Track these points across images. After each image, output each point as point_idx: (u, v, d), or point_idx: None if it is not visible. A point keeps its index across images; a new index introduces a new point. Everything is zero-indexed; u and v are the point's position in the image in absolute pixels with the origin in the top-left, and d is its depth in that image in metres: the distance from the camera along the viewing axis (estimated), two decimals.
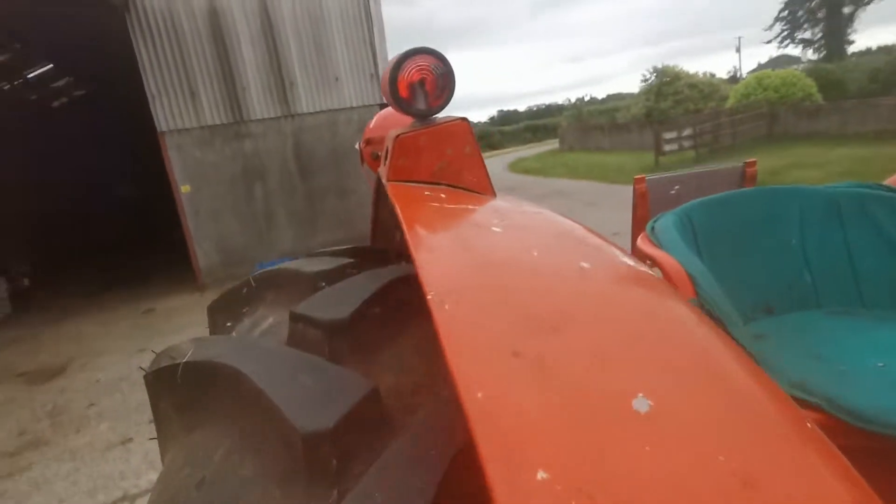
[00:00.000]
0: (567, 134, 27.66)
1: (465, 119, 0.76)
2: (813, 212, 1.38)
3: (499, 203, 0.71)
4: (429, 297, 0.38)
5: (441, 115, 0.80)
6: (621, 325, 0.38)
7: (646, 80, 23.51)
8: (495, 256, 0.48)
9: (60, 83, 14.53)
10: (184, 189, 8.81)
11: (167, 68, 8.42)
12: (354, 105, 10.08)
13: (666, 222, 1.24)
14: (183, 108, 8.62)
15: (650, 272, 0.46)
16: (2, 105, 12.48)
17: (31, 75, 12.95)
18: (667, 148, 14.74)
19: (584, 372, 0.32)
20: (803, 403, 0.83)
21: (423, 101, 0.76)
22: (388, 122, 1.49)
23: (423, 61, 0.74)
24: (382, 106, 10.49)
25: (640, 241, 1.20)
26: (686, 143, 14.81)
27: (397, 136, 0.75)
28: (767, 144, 14.54)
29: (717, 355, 0.35)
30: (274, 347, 0.60)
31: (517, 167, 22.46)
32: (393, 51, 10.80)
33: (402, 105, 0.77)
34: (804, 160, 11.20)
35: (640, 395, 0.29)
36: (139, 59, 8.22)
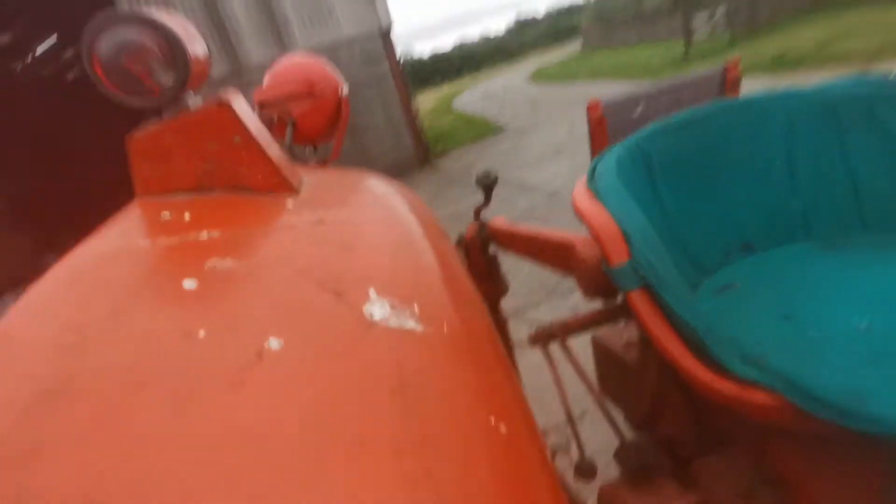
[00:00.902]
0: (589, 33, 25.68)
1: (223, 103, 0.58)
2: (803, 121, 1.12)
3: (283, 216, 0.52)
4: None
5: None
6: None
7: None
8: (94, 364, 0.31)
9: (69, 55, 14.41)
10: None
11: None
12: (353, 34, 9.61)
13: (608, 161, 1.02)
14: None
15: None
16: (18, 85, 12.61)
17: (41, 51, 12.90)
18: (697, 34, 13.46)
19: None
20: (757, 387, 0.69)
21: (140, 88, 0.57)
22: (282, 77, 1.30)
23: (126, 33, 0.55)
24: (384, 33, 9.97)
25: (576, 192, 0.99)
26: (719, 26, 13.46)
27: (130, 136, 0.58)
28: (813, 14, 13.00)
29: None
30: None
31: (538, 77, 21.28)
32: None
33: (111, 95, 0.58)
34: (855, 28, 10.00)
35: None
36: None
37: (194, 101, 0.61)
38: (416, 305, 0.38)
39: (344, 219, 0.53)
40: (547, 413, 3.30)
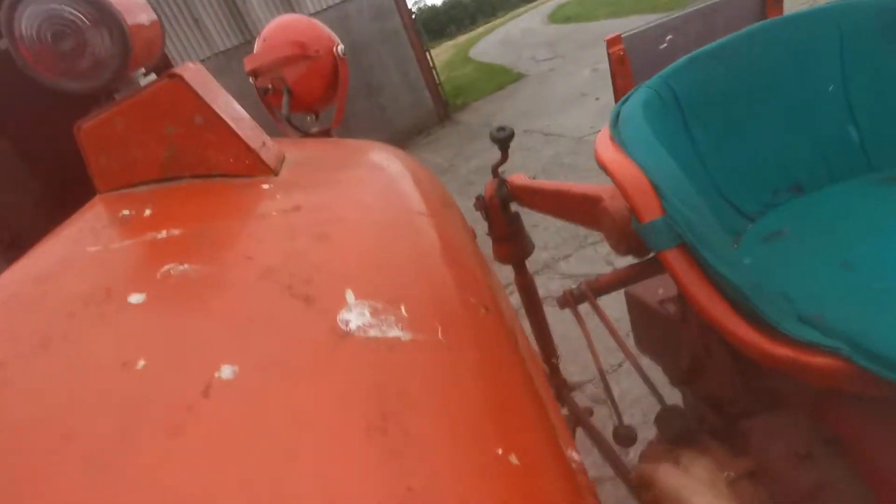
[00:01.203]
0: None
1: (174, 76, 0.49)
2: (860, 37, 0.95)
3: (255, 204, 0.45)
4: None
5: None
6: None
7: None
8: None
9: None
10: None
11: (165, 1, 8.06)
12: None
13: (633, 104, 0.90)
14: (192, 38, 8.36)
15: None
16: None
17: None
18: None
19: None
20: (816, 349, 0.60)
21: (73, 68, 0.48)
22: (272, 41, 1.19)
23: (46, 4, 0.46)
24: None
25: (599, 141, 0.87)
26: None
27: (78, 127, 0.50)
28: None
29: None
30: None
31: (556, 17, 20.21)
32: None
33: (42, 79, 0.49)
34: None
35: None
36: None
37: (150, 80, 0.53)
38: (403, 308, 0.31)
39: (325, 203, 0.46)
40: (584, 365, 3.27)
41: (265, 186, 0.48)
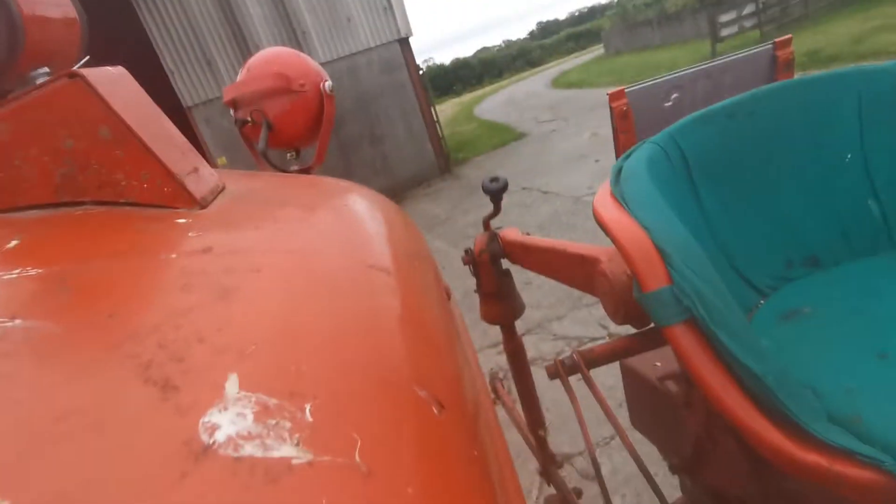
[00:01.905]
0: (612, 36, 25.28)
1: (75, 75, 0.39)
2: (880, 105, 0.90)
3: (158, 242, 0.36)
4: None
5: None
6: None
7: None
8: None
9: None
10: (220, 161, 8.91)
11: (179, 40, 8.31)
12: (372, 45, 9.59)
13: (637, 160, 0.83)
14: (203, 78, 8.56)
15: None
16: None
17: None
18: (724, 32, 12.99)
19: None
20: (852, 458, 0.51)
21: None
22: (255, 71, 1.12)
23: None
24: (402, 42, 9.91)
25: (598, 198, 0.79)
26: (747, 24, 12.98)
27: None
28: (847, 7, 12.46)
29: None
30: None
31: (560, 82, 21.02)
32: None
33: None
34: (893, 20, 9.50)
35: None
36: (150, 35, 8.14)
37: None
38: (308, 408, 0.21)
39: (246, 246, 0.36)
40: (574, 434, 3.08)
41: (180, 221, 0.38)
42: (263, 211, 0.42)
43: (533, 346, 3.70)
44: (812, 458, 0.56)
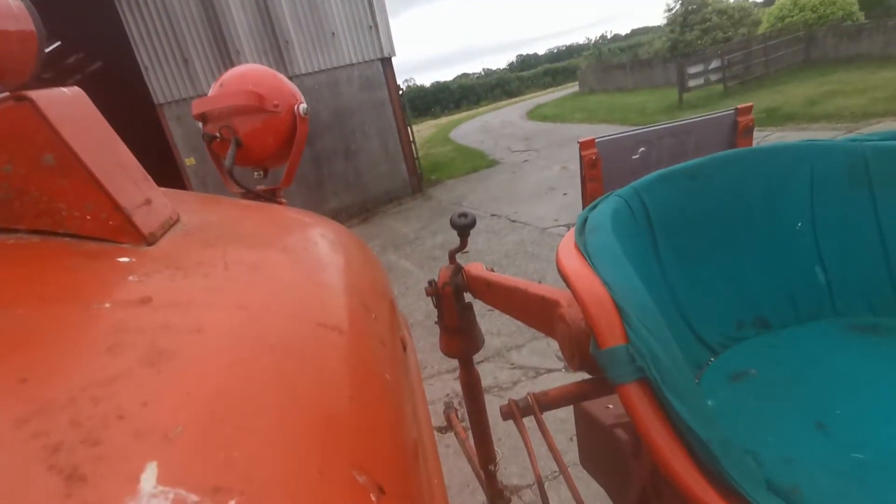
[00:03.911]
0: (587, 75, 26.24)
1: (23, 97, 0.36)
2: (830, 178, 0.96)
3: (92, 288, 0.33)
4: None
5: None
6: None
7: (670, 10, 21.75)
8: None
9: (71, 60, 14.24)
10: (188, 162, 8.68)
11: (157, 37, 8.13)
12: (354, 61, 9.63)
13: (602, 213, 0.84)
14: (178, 77, 8.36)
15: None
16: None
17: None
18: (692, 83, 13.68)
19: None
20: None
21: None
22: (229, 87, 1.09)
23: None
24: (384, 60, 9.99)
25: (562, 248, 0.80)
26: (713, 77, 13.71)
27: None
28: (804, 71, 13.36)
29: None
30: None
31: (535, 115, 21.58)
32: (393, 0, 10.18)
33: None
34: (845, 86, 10.22)
35: None
36: (128, 30, 7.93)
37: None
38: None
39: (190, 298, 0.33)
40: (525, 466, 3.07)
41: (122, 260, 0.35)
42: (215, 252, 0.40)
43: (490, 374, 3.70)
44: None
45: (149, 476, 0.19)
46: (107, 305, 0.29)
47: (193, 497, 0.19)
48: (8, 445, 0.20)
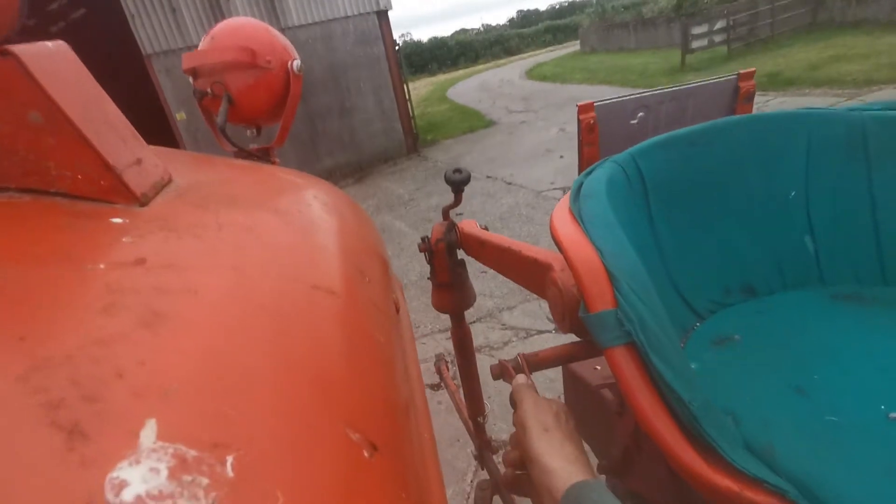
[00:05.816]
0: (589, 34, 25.51)
1: (7, 52, 0.35)
2: (827, 148, 0.95)
3: (84, 250, 0.32)
4: None
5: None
6: None
7: None
8: None
9: (54, 6, 13.65)
10: (179, 117, 8.48)
11: None
12: (349, 13, 9.29)
13: (597, 179, 0.84)
14: (165, 26, 8.06)
15: None
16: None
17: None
18: (695, 45, 13.35)
19: None
20: (761, 486, 0.54)
21: None
22: (220, 41, 1.05)
23: None
24: (380, 14, 9.64)
25: (556, 213, 0.80)
26: (717, 38, 13.38)
27: None
28: (810, 34, 13.04)
29: None
30: None
31: (534, 74, 21.10)
32: None
33: None
34: (849, 51, 10.01)
35: None
36: None
37: None
38: (229, 461, 0.20)
39: (184, 259, 0.33)
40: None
41: (115, 221, 0.35)
42: (208, 214, 0.39)
43: (482, 335, 3.76)
44: (725, 483, 0.60)
45: (148, 432, 0.20)
46: (101, 266, 0.29)
47: (193, 452, 0.20)
48: (9, 401, 0.21)
